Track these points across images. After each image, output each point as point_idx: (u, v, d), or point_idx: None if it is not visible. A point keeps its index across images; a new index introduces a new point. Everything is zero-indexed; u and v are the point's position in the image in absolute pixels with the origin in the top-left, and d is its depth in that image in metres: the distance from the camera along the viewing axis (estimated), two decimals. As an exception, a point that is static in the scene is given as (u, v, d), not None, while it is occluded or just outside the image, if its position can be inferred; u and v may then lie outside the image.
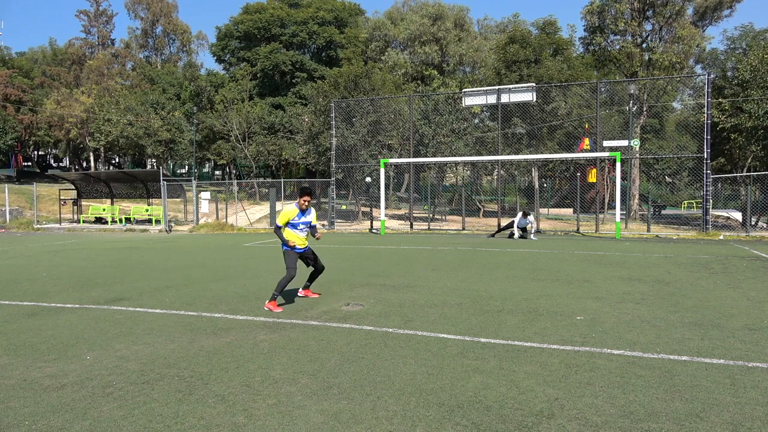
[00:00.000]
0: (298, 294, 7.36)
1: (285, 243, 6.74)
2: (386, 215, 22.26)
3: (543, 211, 31.18)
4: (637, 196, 27.62)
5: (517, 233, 17.17)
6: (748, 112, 19.34)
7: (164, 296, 7.54)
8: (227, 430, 3.23)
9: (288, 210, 6.74)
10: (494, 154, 23.83)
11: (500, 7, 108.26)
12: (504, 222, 19.51)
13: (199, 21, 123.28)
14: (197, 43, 66.32)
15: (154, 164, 47.95)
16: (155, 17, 61.44)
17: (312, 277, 7.38)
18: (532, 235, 17.26)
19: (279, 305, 6.66)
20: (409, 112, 23.88)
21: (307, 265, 7.18)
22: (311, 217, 6.96)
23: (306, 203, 6.75)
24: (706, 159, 17.82)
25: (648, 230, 19.10)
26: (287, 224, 6.77)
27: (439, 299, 7.07)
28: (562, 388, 3.84)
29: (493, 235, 18.48)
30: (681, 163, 32.35)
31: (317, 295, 7.32)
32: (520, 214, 17.39)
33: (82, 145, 48.78)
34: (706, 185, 17.74)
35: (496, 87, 21.52)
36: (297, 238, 6.82)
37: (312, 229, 7.03)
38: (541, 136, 26.05)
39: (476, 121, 30.13)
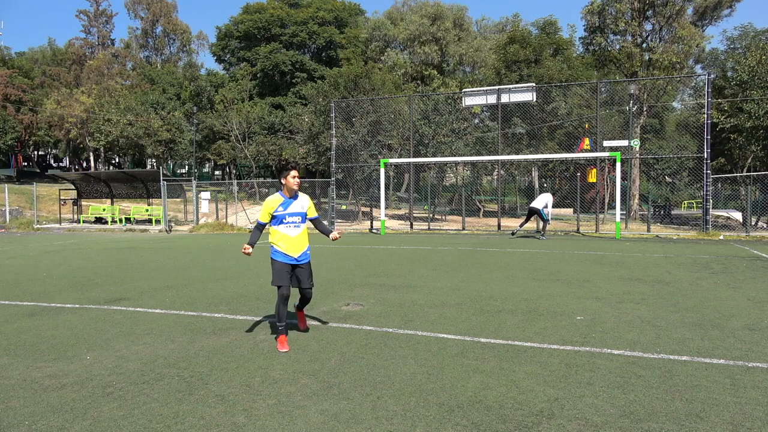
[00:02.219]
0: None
1: (272, 247, 5.00)
2: (386, 215, 22.26)
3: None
4: (637, 196, 27.61)
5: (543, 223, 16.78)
6: (747, 112, 19.33)
7: (164, 296, 7.54)
8: (227, 430, 3.23)
9: (270, 199, 4.98)
10: (494, 154, 23.83)
11: (500, 7, 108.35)
12: (506, 220, 19.46)
13: (199, 21, 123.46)
14: (197, 43, 66.48)
15: (154, 164, 47.94)
16: (155, 17, 61.49)
17: (301, 304, 5.38)
18: (541, 234, 16.94)
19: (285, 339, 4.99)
20: (409, 112, 23.87)
21: (297, 286, 5.08)
22: (303, 205, 5.03)
23: (294, 181, 4.93)
24: (706, 159, 17.82)
25: (648, 230, 19.10)
26: (272, 220, 5.00)
27: (439, 299, 7.07)
28: (562, 388, 3.84)
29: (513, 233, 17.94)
30: (681, 163, 32.35)
31: (306, 329, 5.45)
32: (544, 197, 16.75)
33: (82, 145, 48.80)
34: (706, 185, 17.73)
35: (496, 87, 21.52)
36: (283, 239, 4.93)
37: (319, 225, 5.20)
38: (541, 136, 26.06)
39: (476, 121, 30.14)
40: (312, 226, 5.23)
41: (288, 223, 4.94)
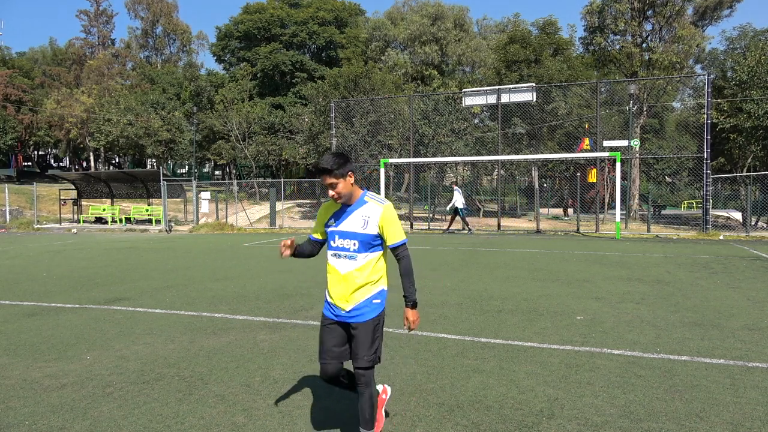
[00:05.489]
0: None
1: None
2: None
3: (543, 211, 31.18)
4: (637, 196, 27.61)
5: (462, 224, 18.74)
6: (747, 112, 19.33)
7: (164, 296, 7.54)
8: (227, 430, 3.23)
9: (323, 204, 3.05)
10: (494, 154, 23.83)
11: (500, 7, 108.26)
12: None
13: (199, 21, 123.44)
14: (197, 43, 66.39)
15: (154, 164, 47.92)
16: (155, 17, 61.48)
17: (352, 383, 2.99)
18: (468, 228, 18.92)
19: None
20: (409, 112, 23.87)
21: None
22: (367, 221, 2.80)
23: (333, 190, 2.78)
24: (706, 159, 17.82)
25: (648, 230, 19.10)
26: (326, 240, 3.00)
27: (439, 299, 7.06)
28: (562, 388, 3.84)
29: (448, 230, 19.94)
30: (681, 163, 32.34)
31: None
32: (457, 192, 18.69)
33: (82, 145, 48.79)
34: (706, 185, 17.73)
35: (496, 87, 21.52)
36: (329, 275, 2.91)
37: (402, 267, 2.86)
38: (541, 136, 26.07)
39: (476, 121, 30.14)
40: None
41: (336, 249, 2.88)
